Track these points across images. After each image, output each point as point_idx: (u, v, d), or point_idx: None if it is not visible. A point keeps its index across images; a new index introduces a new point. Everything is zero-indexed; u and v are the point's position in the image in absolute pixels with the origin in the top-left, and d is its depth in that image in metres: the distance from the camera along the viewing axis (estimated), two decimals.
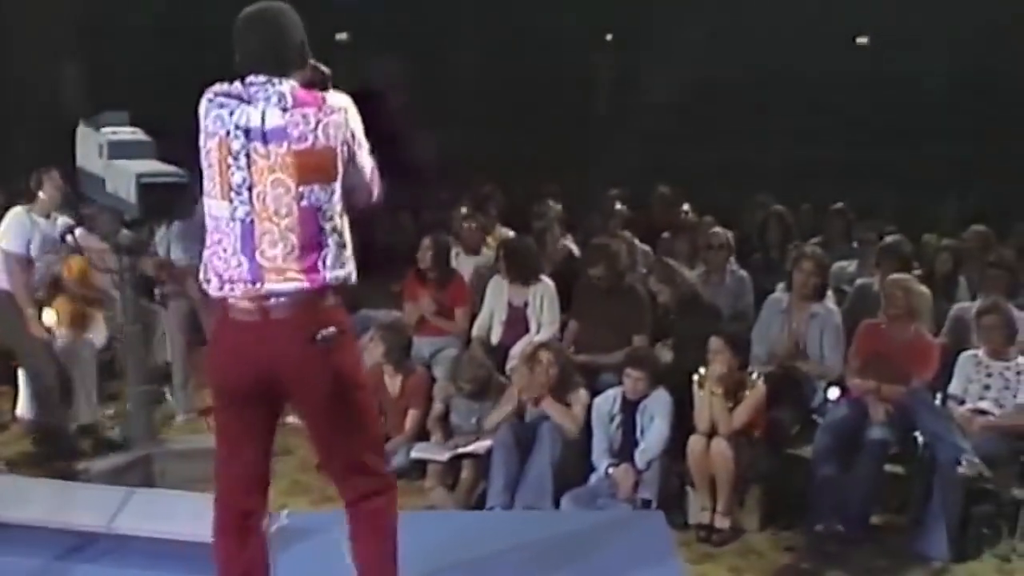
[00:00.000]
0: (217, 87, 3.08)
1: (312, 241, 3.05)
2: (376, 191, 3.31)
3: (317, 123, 3.02)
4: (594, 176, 11.58)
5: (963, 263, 7.21)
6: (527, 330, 6.61)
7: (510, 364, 6.34)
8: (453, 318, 6.86)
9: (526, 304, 6.66)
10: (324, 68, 3.21)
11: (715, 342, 5.67)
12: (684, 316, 6.44)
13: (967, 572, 5.16)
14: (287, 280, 3.02)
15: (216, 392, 3.22)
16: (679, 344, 6.28)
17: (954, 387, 5.66)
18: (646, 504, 5.43)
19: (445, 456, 5.87)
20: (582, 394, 5.85)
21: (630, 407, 5.69)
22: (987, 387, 5.59)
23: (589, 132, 13.44)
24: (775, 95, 12.95)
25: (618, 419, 5.70)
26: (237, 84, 3.07)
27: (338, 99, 3.11)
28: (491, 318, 6.75)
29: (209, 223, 3.11)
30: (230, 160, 3.01)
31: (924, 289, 5.94)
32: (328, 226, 3.08)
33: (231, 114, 3.02)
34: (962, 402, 5.60)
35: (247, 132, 3.00)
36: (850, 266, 7.58)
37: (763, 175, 11.46)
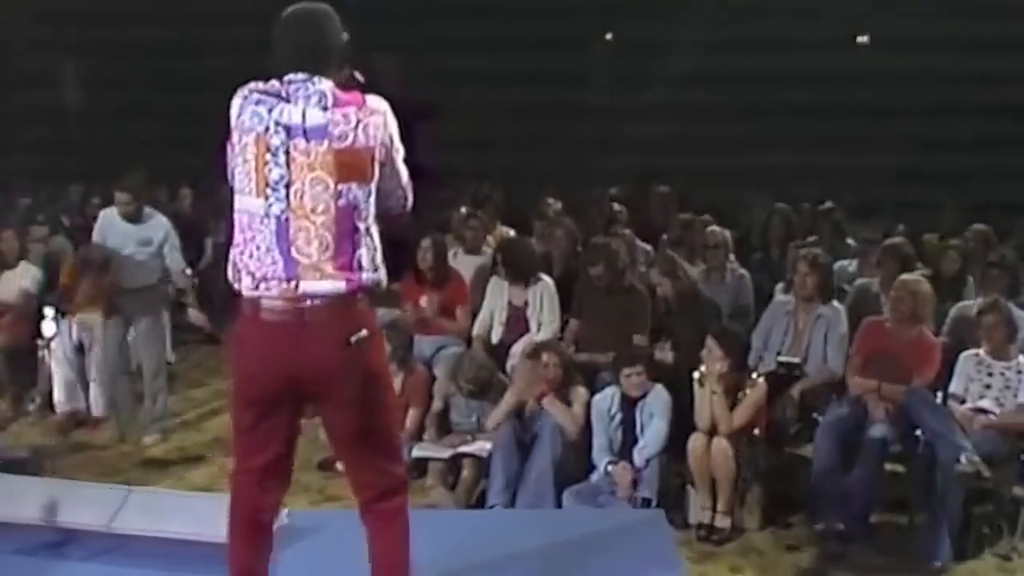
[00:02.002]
0: (253, 85, 3.07)
1: (347, 240, 3.03)
2: (410, 197, 3.31)
3: (357, 122, 3.01)
4: (593, 175, 11.58)
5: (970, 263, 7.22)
6: (527, 329, 6.62)
7: (511, 363, 6.33)
8: (454, 317, 6.86)
9: (526, 304, 6.66)
10: (359, 75, 3.20)
11: (709, 341, 5.67)
12: (684, 311, 6.44)
13: (967, 571, 5.16)
14: (323, 279, 3.01)
15: (241, 391, 3.19)
16: (679, 342, 6.28)
17: (955, 386, 5.66)
18: (646, 503, 5.43)
19: (447, 454, 5.88)
20: (582, 392, 5.85)
21: (630, 405, 5.69)
22: (988, 386, 5.59)
23: (588, 131, 13.42)
24: (775, 93, 12.93)
25: (618, 417, 5.70)
26: (274, 82, 3.05)
27: (377, 102, 3.09)
28: (491, 318, 6.75)
29: (239, 220, 3.09)
30: (268, 156, 2.99)
31: (929, 290, 5.93)
32: (363, 227, 3.07)
33: (270, 111, 3.00)
34: (963, 401, 5.60)
35: (288, 129, 2.98)
36: (851, 265, 7.59)
37: (762, 174, 11.47)
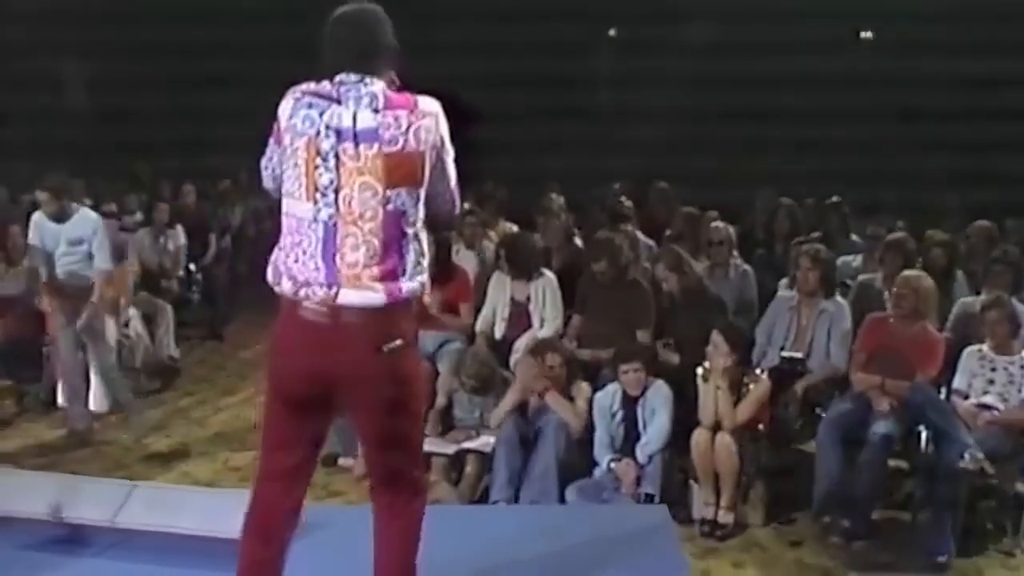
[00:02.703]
0: (304, 86, 3.04)
1: (393, 246, 3.00)
2: (458, 201, 3.29)
3: (408, 126, 2.97)
4: (596, 171, 11.58)
5: (960, 258, 7.20)
6: (530, 325, 6.61)
7: (514, 358, 6.34)
8: (458, 313, 6.86)
9: (528, 299, 6.65)
10: (396, 79, 3.16)
11: (715, 336, 5.68)
12: (689, 306, 6.44)
13: (971, 567, 5.16)
14: (363, 289, 2.98)
15: (275, 389, 3.17)
16: (683, 338, 6.28)
17: (958, 382, 5.66)
18: (649, 498, 5.44)
19: (451, 450, 5.88)
20: (584, 388, 5.86)
21: (631, 401, 5.69)
22: (991, 382, 5.59)
23: (591, 127, 13.43)
24: (778, 89, 12.92)
25: (620, 414, 5.70)
26: (326, 84, 3.02)
27: (429, 103, 3.06)
28: (494, 314, 6.75)
29: (287, 223, 3.06)
30: (318, 161, 2.96)
31: (932, 285, 5.93)
32: (410, 232, 3.04)
33: (322, 114, 2.97)
34: (966, 397, 5.60)
35: (338, 133, 2.95)
36: (854, 261, 7.58)
37: (765, 170, 11.47)
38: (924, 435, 5.49)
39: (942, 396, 5.67)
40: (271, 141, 3.13)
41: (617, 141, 12.94)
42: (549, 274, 6.74)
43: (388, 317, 3.02)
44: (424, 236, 3.12)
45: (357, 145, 2.95)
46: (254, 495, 3.21)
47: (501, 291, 6.75)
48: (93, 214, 6.81)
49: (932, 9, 12.05)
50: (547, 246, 7.75)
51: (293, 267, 3.03)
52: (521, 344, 6.40)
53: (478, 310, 6.85)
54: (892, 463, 5.65)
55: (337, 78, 3.02)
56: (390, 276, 3.00)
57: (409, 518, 3.23)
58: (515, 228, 8.24)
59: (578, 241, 7.94)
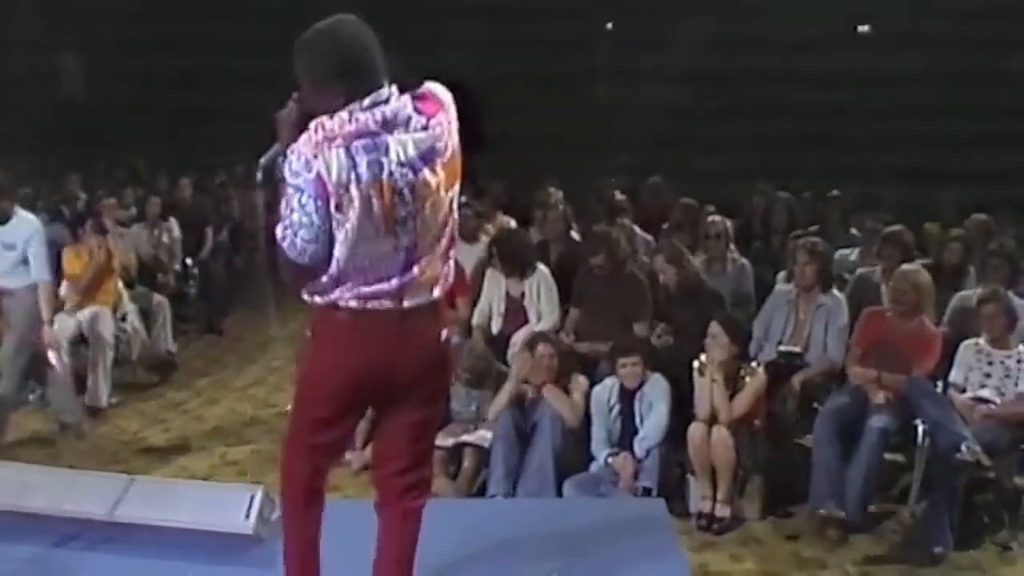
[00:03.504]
0: (337, 130, 2.81)
1: (448, 245, 3.08)
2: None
3: (448, 125, 2.96)
4: (593, 165, 11.58)
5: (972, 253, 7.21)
6: (527, 320, 6.61)
7: (511, 353, 6.33)
8: (454, 307, 6.85)
9: (523, 295, 6.65)
10: None
11: (714, 327, 5.68)
12: (687, 300, 6.44)
13: (968, 560, 5.17)
14: (424, 290, 3.02)
15: (324, 395, 3.12)
16: (680, 331, 6.29)
17: (955, 375, 5.66)
18: (646, 492, 5.44)
19: (448, 443, 5.87)
20: (581, 382, 5.86)
21: (628, 395, 5.69)
22: (988, 375, 5.60)
23: (588, 121, 13.42)
24: (775, 83, 12.94)
25: (617, 408, 5.71)
26: (360, 115, 2.83)
27: (444, 94, 3.01)
28: (490, 308, 6.74)
29: (355, 263, 2.90)
30: (396, 199, 2.86)
31: (929, 280, 5.93)
32: (454, 226, 3.10)
33: (386, 152, 2.83)
34: (963, 390, 5.60)
35: (411, 166, 2.87)
36: (852, 254, 7.59)
37: (761, 163, 11.48)
38: (921, 428, 5.49)
39: (939, 390, 5.67)
40: (296, 205, 2.82)
41: (614, 136, 12.93)
42: (543, 269, 6.74)
43: (441, 308, 3.13)
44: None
45: (423, 168, 2.90)
46: (287, 474, 3.27)
47: (496, 287, 6.75)
48: (31, 218, 6.43)
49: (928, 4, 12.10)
50: (544, 239, 7.75)
51: (362, 288, 2.96)
52: (518, 339, 6.40)
53: (475, 304, 6.85)
54: (889, 456, 5.66)
55: (366, 102, 2.85)
56: (442, 277, 3.08)
57: (415, 515, 3.26)
58: (512, 222, 8.23)
59: (575, 235, 7.93)
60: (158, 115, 13.13)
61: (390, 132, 2.85)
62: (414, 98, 2.94)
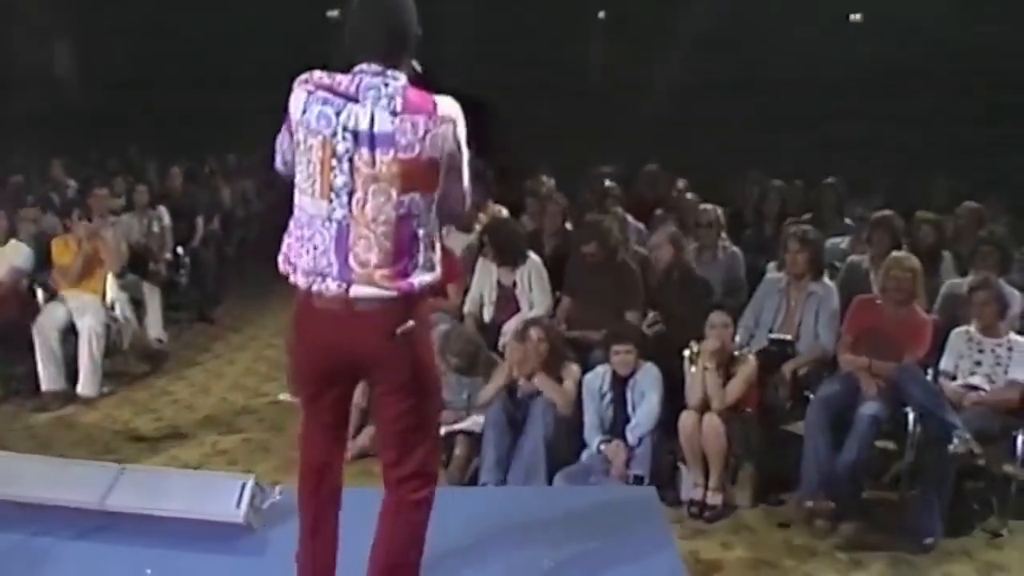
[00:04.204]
0: (317, 78, 3.01)
1: (404, 247, 3.02)
2: (468, 200, 3.27)
3: (425, 133, 2.95)
4: (586, 154, 11.57)
5: (949, 238, 7.20)
6: (518, 309, 6.60)
7: (502, 341, 6.33)
8: (446, 295, 6.85)
9: (515, 284, 6.65)
10: (418, 66, 3.13)
11: (718, 316, 5.68)
12: (677, 288, 6.44)
13: (958, 547, 5.18)
14: (375, 286, 3.01)
15: (299, 370, 3.32)
16: (670, 319, 6.29)
17: (945, 363, 5.67)
18: (638, 480, 5.44)
19: (440, 430, 5.85)
20: (574, 370, 5.85)
21: (620, 383, 5.69)
22: (978, 363, 5.61)
23: (581, 110, 13.41)
24: (766, 71, 12.94)
25: (609, 395, 5.71)
26: (341, 78, 2.99)
27: (449, 106, 3.03)
28: (482, 297, 6.74)
29: (298, 216, 3.09)
30: (334, 162, 2.97)
31: (920, 265, 5.93)
32: (422, 231, 3.05)
33: (338, 113, 2.96)
34: (953, 378, 5.61)
35: (355, 136, 2.95)
36: (842, 242, 7.59)
37: (754, 151, 11.48)
38: (911, 416, 5.50)
39: (929, 377, 5.67)
40: (284, 127, 3.11)
41: (606, 123, 12.92)
42: (535, 258, 6.73)
43: (401, 306, 3.06)
44: (437, 234, 3.14)
45: (373, 150, 2.95)
46: (301, 458, 3.36)
47: (487, 276, 6.74)
48: None
49: None
50: (537, 229, 7.74)
51: (306, 260, 3.06)
52: (509, 328, 6.39)
53: (467, 291, 6.84)
54: (880, 444, 5.67)
55: (357, 68, 2.99)
56: (401, 275, 3.03)
57: (413, 507, 3.22)
58: (504, 211, 8.22)
59: (567, 224, 7.92)
60: (149, 104, 13.08)
61: (355, 101, 2.96)
62: (409, 90, 2.99)
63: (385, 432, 3.32)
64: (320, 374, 3.22)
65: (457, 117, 3.04)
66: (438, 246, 3.16)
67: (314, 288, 3.04)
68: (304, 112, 3.00)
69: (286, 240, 3.15)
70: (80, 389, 7.26)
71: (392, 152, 2.94)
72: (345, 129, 2.95)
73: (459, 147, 3.07)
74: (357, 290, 3.01)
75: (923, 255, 6.34)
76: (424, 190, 3.02)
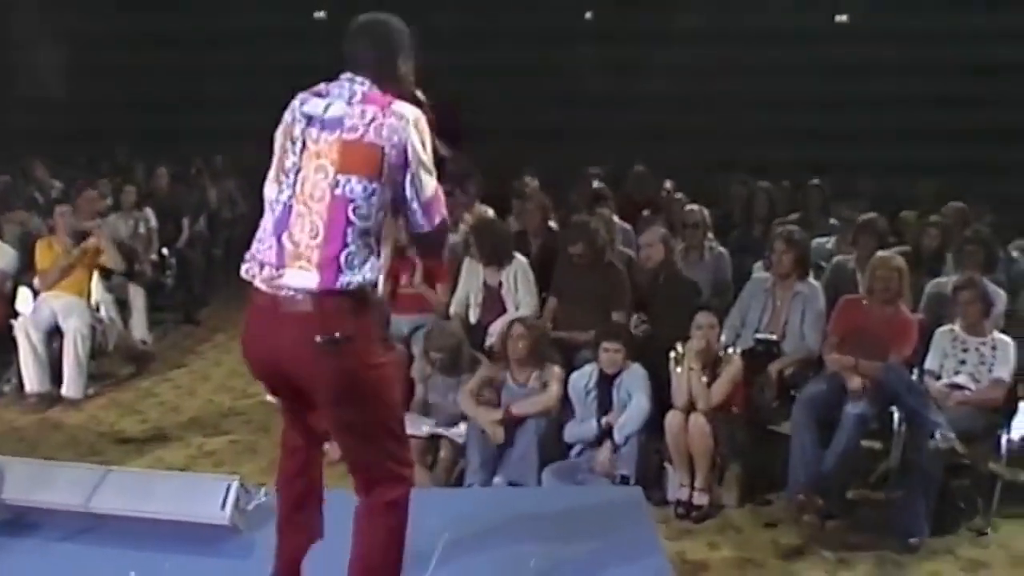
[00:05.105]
0: (314, 87, 3.17)
1: (337, 232, 2.99)
2: (438, 216, 3.19)
3: (372, 119, 3.03)
4: (573, 155, 11.58)
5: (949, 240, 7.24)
6: (505, 309, 6.60)
7: (489, 341, 6.33)
8: (434, 288, 6.83)
9: (501, 284, 6.64)
10: (422, 95, 3.21)
11: (704, 317, 5.68)
12: (663, 289, 6.45)
13: (943, 546, 5.20)
14: (303, 270, 2.99)
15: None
16: (656, 319, 6.30)
17: (930, 362, 5.69)
18: (624, 480, 5.45)
19: (424, 430, 5.84)
20: (557, 372, 5.83)
21: (606, 382, 5.69)
22: (963, 362, 5.62)
23: (568, 111, 13.40)
24: (752, 74, 12.97)
25: (594, 393, 5.70)
26: (324, 84, 3.16)
27: (406, 109, 3.09)
28: (468, 297, 6.73)
29: (266, 202, 3.16)
30: (288, 145, 3.10)
31: (905, 265, 5.95)
32: (359, 223, 3.00)
33: (303, 104, 3.12)
34: (938, 377, 5.63)
35: (308, 119, 3.08)
36: (828, 243, 7.61)
37: (738, 152, 11.51)
38: (897, 416, 5.51)
39: (914, 376, 5.69)
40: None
41: (593, 126, 12.92)
42: (521, 259, 6.72)
43: (326, 308, 2.99)
44: (378, 237, 3.09)
45: (322, 131, 3.05)
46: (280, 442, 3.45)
47: (474, 277, 6.73)
48: None
49: None
50: (523, 229, 7.74)
51: (256, 246, 3.13)
52: (496, 328, 6.39)
53: (455, 291, 6.83)
54: (866, 443, 5.69)
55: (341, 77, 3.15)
56: (329, 263, 2.99)
57: (380, 511, 3.18)
58: (490, 211, 8.21)
59: (553, 224, 7.93)
60: (136, 104, 13.04)
61: (326, 96, 3.12)
62: (374, 91, 3.10)
63: (337, 443, 3.33)
64: (262, 379, 3.26)
65: (413, 119, 3.07)
66: (383, 253, 3.11)
67: (251, 273, 3.09)
68: (289, 111, 3.16)
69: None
70: (65, 391, 7.23)
71: (337, 132, 3.04)
72: (303, 115, 3.10)
73: (411, 146, 3.05)
74: (286, 277, 3.00)
75: (926, 257, 6.36)
76: (363, 175, 3.00)
